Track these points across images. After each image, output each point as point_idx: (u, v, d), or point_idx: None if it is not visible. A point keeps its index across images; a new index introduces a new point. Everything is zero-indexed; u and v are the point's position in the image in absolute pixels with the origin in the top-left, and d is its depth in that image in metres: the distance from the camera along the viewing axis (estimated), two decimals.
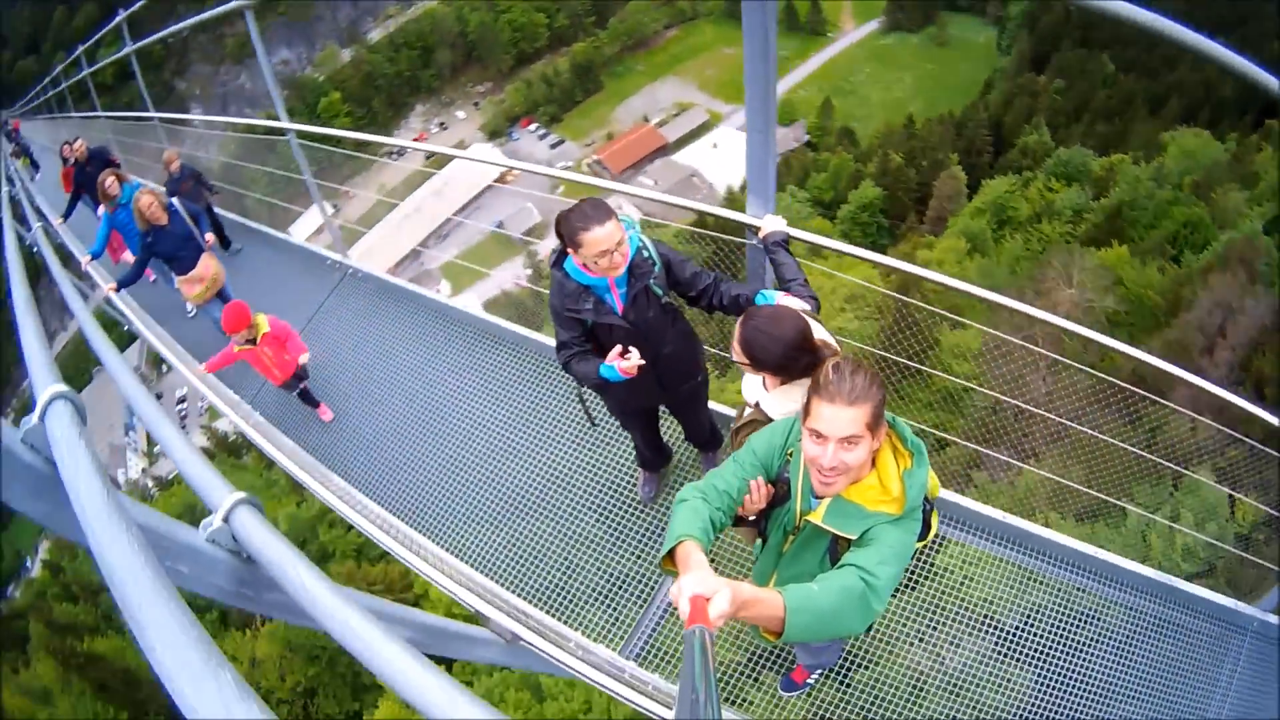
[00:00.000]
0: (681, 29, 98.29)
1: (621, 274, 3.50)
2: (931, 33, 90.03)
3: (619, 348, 3.43)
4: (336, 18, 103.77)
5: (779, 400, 3.11)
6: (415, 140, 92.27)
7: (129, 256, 10.72)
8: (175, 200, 7.74)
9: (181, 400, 76.31)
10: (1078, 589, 4.90)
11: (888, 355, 6.02)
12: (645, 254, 3.59)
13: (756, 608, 1.85)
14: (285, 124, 8.12)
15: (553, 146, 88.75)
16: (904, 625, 4.85)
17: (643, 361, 3.40)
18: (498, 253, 71.77)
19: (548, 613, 5.01)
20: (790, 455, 2.57)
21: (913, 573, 4.95)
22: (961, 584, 4.94)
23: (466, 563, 5.29)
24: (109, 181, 8.31)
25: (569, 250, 3.42)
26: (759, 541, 2.93)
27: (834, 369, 2.26)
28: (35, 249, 9.15)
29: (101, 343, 3.53)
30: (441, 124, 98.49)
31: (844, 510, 2.37)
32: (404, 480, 6.21)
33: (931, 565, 5.03)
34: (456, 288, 63.51)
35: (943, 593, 4.94)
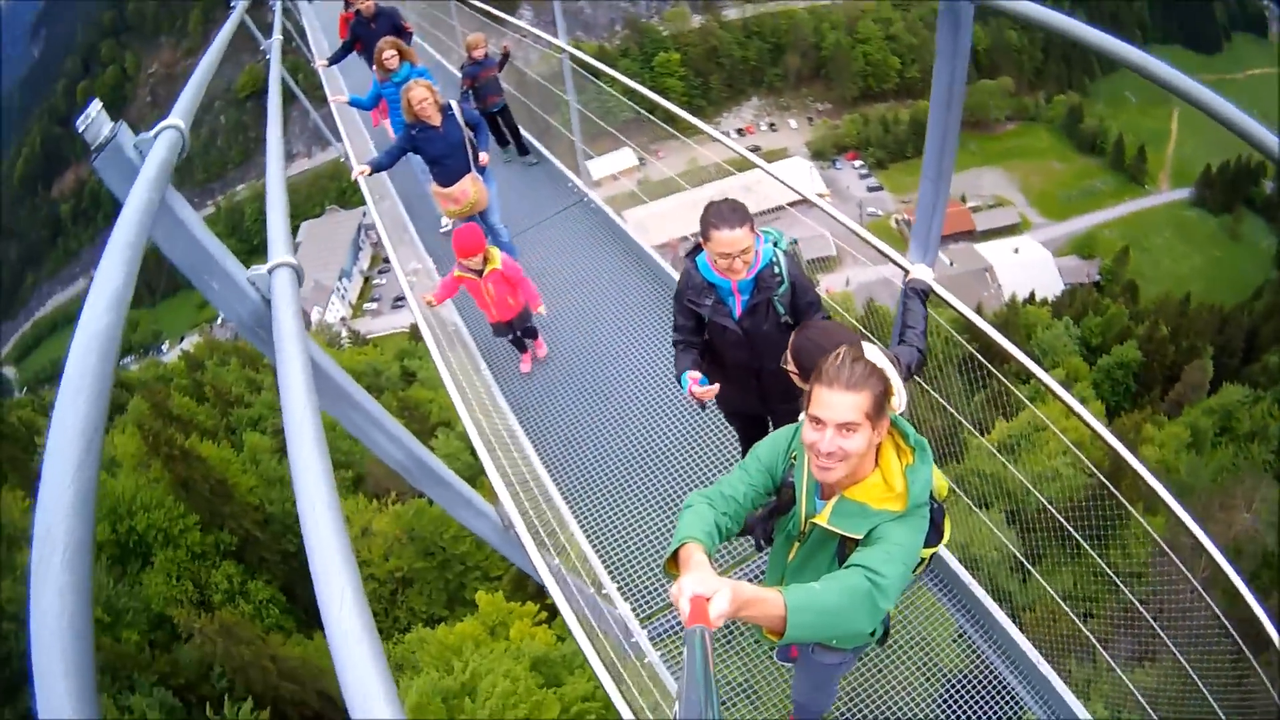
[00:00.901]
0: (1020, 125, 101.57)
1: (747, 280, 3.80)
2: (1227, 222, 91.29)
3: (696, 373, 3.83)
4: None
5: None
6: (742, 130, 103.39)
7: (390, 129, 10.13)
8: (453, 104, 7.09)
9: (414, 271, 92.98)
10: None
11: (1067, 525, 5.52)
12: (776, 270, 3.84)
13: (757, 607, 1.95)
14: (609, 71, 8.91)
15: (870, 189, 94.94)
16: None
17: (713, 392, 3.75)
18: None
19: (594, 548, 5.70)
20: (794, 459, 2.74)
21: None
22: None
23: (542, 462, 6.21)
24: (387, 54, 7.98)
25: (702, 244, 3.75)
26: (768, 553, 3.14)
27: (835, 356, 2.43)
28: (267, 56, 8.06)
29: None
30: (772, 125, 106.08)
31: (848, 510, 2.52)
32: (536, 381, 7.18)
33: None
34: None
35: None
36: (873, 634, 3.02)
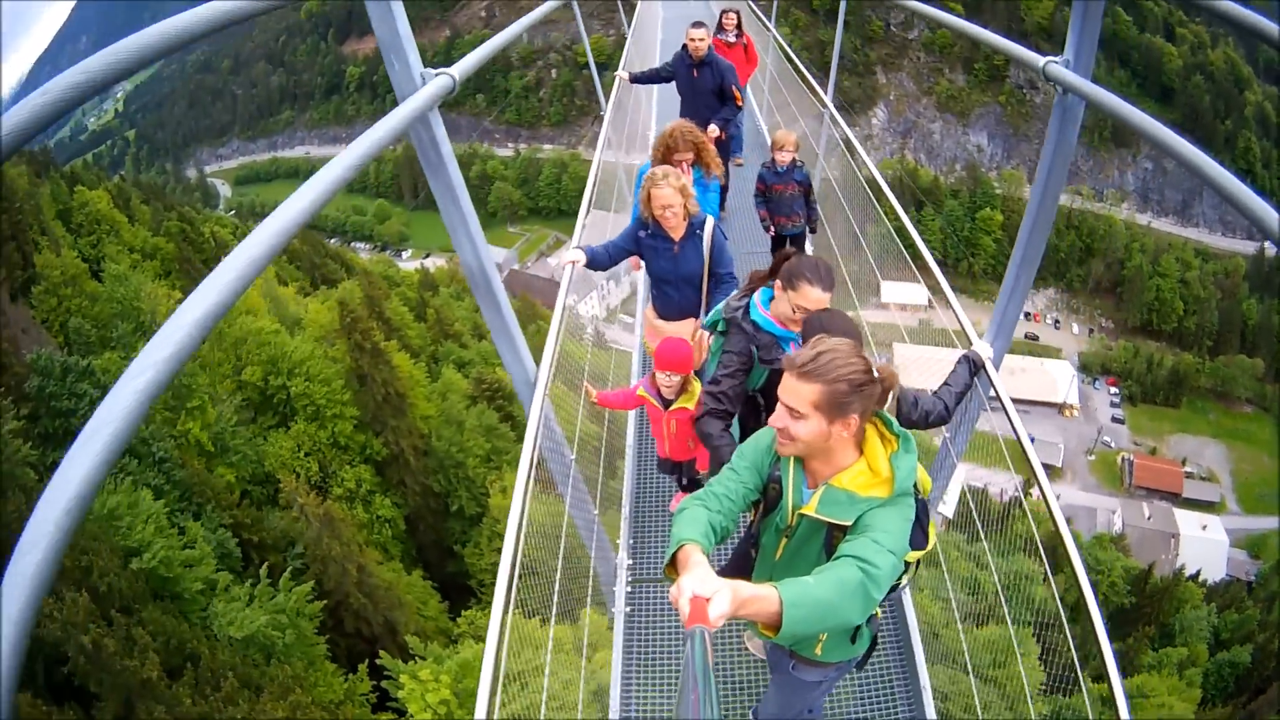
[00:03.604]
0: (1256, 411, 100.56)
1: (797, 332, 3.94)
2: None
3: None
4: None
5: None
6: (1029, 314, 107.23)
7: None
8: (709, 224, 5.34)
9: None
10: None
11: None
12: None
13: (755, 605, 2.04)
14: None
15: (1114, 419, 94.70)
16: None
17: None
18: None
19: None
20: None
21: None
22: None
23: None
24: (681, 155, 6.16)
25: (781, 290, 3.86)
26: (752, 555, 3.22)
27: (808, 344, 2.62)
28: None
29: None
30: (1056, 321, 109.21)
31: (835, 498, 2.64)
32: None
33: None
34: None
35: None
36: (855, 641, 3.17)
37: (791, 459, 2.77)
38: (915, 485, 2.74)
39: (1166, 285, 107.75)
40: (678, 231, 5.28)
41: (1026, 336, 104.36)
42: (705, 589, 1.90)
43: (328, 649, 28.95)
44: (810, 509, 2.69)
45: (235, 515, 30.19)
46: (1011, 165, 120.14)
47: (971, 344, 4.38)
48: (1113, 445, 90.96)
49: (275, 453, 34.98)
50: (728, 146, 9.38)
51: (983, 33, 3.93)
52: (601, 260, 5.52)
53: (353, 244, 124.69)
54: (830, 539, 2.73)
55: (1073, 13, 3.20)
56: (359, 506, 36.29)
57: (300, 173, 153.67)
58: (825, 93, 10.56)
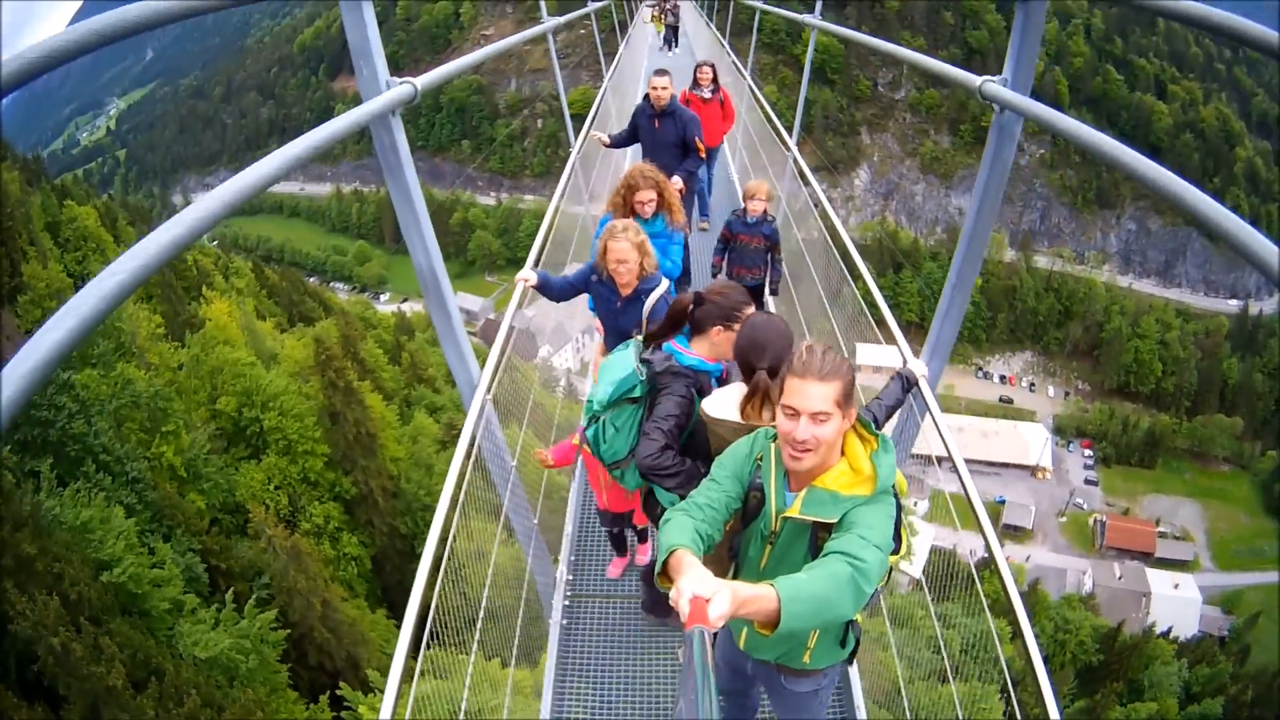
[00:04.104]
0: (1233, 470, 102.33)
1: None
2: None
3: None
4: None
5: (712, 399, 3.64)
6: (1004, 378, 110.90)
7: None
8: (659, 294, 5.08)
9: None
10: None
11: None
12: None
13: (754, 604, 2.10)
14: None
15: (1087, 481, 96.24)
16: None
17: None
18: None
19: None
20: (759, 461, 2.90)
21: None
22: None
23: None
24: (643, 196, 5.97)
25: (720, 332, 3.76)
26: (732, 568, 3.19)
27: (807, 350, 2.64)
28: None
29: None
30: (1032, 384, 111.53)
31: (820, 499, 2.69)
32: None
33: None
34: None
35: None
36: (843, 645, 3.19)
37: (774, 465, 2.82)
38: (893, 486, 2.79)
39: (1145, 346, 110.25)
40: (627, 289, 5.14)
41: (1001, 400, 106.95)
42: (705, 590, 1.94)
43: (290, 679, 29.16)
44: (794, 511, 2.73)
45: (204, 541, 30.36)
46: (993, 228, 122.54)
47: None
48: (1085, 507, 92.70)
49: (246, 483, 35.10)
50: (691, 204, 9.19)
51: (918, 57, 4.18)
52: (553, 289, 5.64)
53: (332, 284, 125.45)
54: (815, 541, 2.78)
55: (1012, 31, 3.29)
56: (326, 543, 36.39)
57: (284, 208, 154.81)
58: (791, 141, 10.22)
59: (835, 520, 2.64)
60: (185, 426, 33.35)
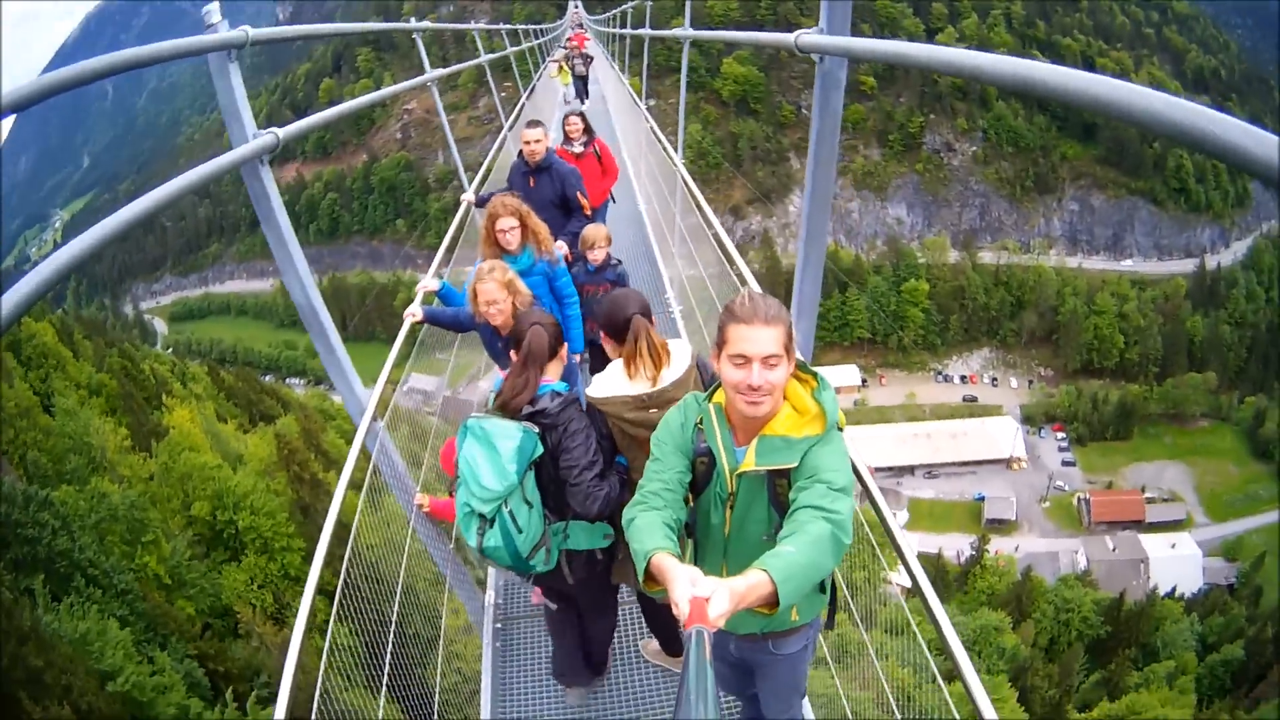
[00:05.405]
0: (1213, 424, 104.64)
1: None
2: None
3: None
4: None
5: (594, 386, 3.66)
6: (965, 378, 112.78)
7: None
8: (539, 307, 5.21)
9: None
10: None
11: None
12: None
13: (752, 594, 2.05)
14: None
15: (1064, 463, 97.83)
16: None
17: None
18: None
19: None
20: (700, 425, 2.85)
21: None
22: None
23: None
24: (504, 223, 5.92)
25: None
26: (690, 545, 3.11)
27: (747, 296, 2.63)
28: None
29: None
30: (994, 379, 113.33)
31: (773, 446, 2.65)
32: None
33: None
34: None
35: None
36: (823, 590, 3.15)
37: (716, 424, 2.79)
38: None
39: (1104, 322, 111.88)
40: (505, 329, 5.02)
41: (965, 399, 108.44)
42: (702, 590, 1.92)
43: None
44: (749, 464, 2.69)
45: (200, 646, 30.53)
46: (934, 232, 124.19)
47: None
48: (1067, 488, 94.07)
49: (231, 585, 35.12)
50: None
51: (741, 35, 4.26)
52: (442, 322, 6.06)
53: (287, 380, 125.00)
54: (774, 491, 2.74)
55: None
56: (316, 635, 36.09)
57: (232, 309, 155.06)
58: (677, 159, 9.94)
59: (795, 465, 2.62)
60: (164, 535, 33.58)
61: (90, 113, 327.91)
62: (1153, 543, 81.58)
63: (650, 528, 2.50)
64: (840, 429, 2.77)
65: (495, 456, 3.68)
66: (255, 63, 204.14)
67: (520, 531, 3.78)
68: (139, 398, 44.06)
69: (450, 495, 4.55)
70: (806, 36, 3.07)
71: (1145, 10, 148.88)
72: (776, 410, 2.69)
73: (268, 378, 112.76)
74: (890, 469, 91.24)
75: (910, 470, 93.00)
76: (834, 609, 3.29)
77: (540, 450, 3.73)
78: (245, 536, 36.71)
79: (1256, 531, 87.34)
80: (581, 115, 9.31)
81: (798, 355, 2.74)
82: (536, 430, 3.73)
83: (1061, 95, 1.47)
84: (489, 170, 10.71)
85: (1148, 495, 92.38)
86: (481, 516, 3.76)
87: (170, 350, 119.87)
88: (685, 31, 8.92)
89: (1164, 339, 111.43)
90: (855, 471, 2.91)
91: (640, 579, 2.35)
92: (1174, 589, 71.87)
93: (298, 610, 3.50)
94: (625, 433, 3.68)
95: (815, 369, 2.79)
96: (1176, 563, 78.62)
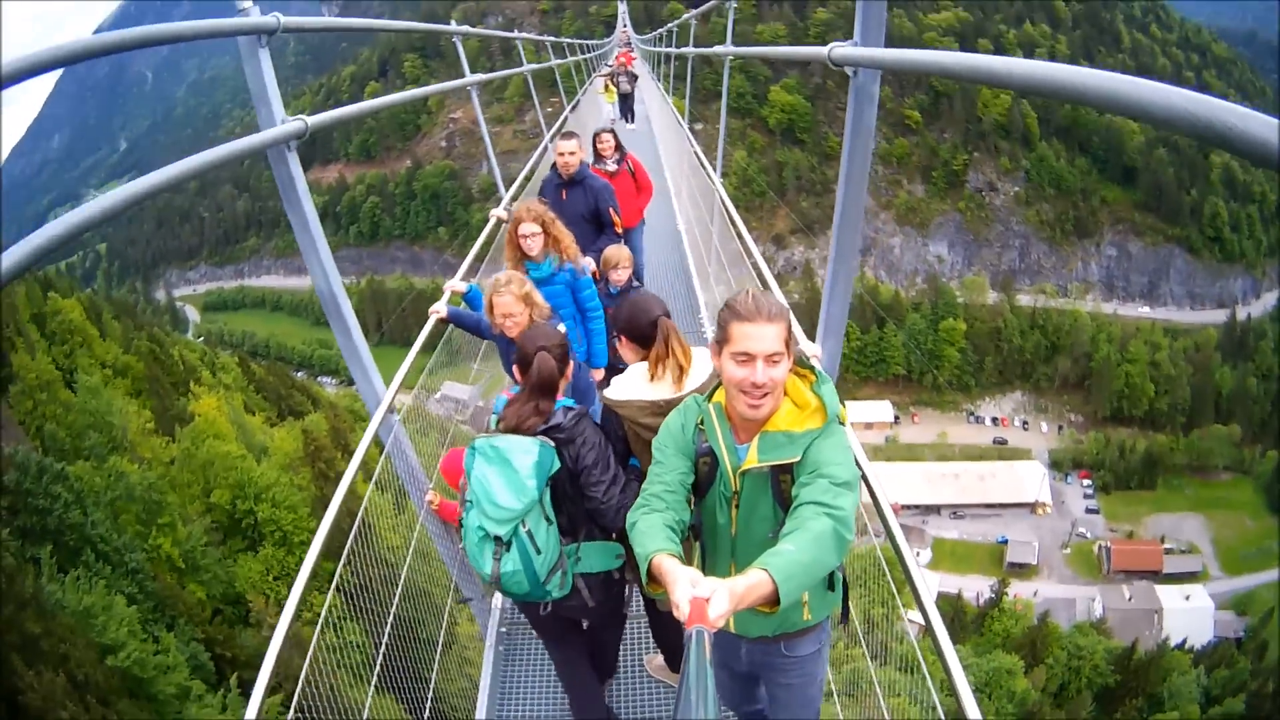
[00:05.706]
0: (1234, 478, 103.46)
1: None
2: None
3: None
4: None
5: (613, 387, 3.63)
6: (997, 420, 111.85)
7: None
8: (564, 326, 5.34)
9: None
10: None
11: None
12: None
13: (752, 594, 2.05)
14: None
15: (1088, 510, 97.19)
16: None
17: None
18: None
19: None
20: (700, 426, 2.85)
21: None
22: None
23: None
24: (526, 229, 5.86)
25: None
26: (698, 548, 3.14)
27: (748, 295, 2.64)
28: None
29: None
30: (1025, 423, 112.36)
31: (775, 442, 2.66)
32: None
33: None
34: None
35: None
36: (832, 589, 3.06)
37: (717, 424, 2.78)
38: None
39: (1136, 370, 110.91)
40: (511, 330, 4.95)
41: (995, 441, 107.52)
42: (702, 590, 1.93)
43: None
44: (752, 461, 2.68)
45: (208, 631, 30.67)
46: (973, 271, 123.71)
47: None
48: (1089, 535, 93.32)
49: (245, 575, 35.32)
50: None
51: (776, 50, 4.51)
52: (464, 323, 6.03)
53: (319, 378, 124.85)
54: (778, 488, 2.73)
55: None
56: (329, 631, 36.14)
57: (267, 303, 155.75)
58: (715, 174, 9.95)
59: (797, 459, 2.62)
60: (181, 519, 33.87)
61: (130, 97, 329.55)
62: (1168, 593, 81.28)
63: (652, 530, 2.50)
64: (842, 422, 2.78)
65: (512, 473, 3.52)
66: (299, 61, 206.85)
67: (539, 552, 3.59)
68: (165, 382, 44.55)
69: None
70: (840, 49, 3.07)
71: (1185, 53, 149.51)
72: (777, 409, 2.69)
73: (300, 374, 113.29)
74: (917, 507, 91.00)
75: (937, 510, 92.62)
76: (847, 605, 3.20)
77: (558, 465, 3.60)
78: (264, 528, 36.88)
79: (1268, 587, 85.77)
80: (613, 133, 8.93)
81: (802, 357, 2.78)
82: (553, 444, 3.62)
83: (1094, 99, 1.48)
84: (524, 184, 10.41)
85: (1166, 546, 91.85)
86: (497, 539, 3.56)
87: (201, 339, 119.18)
88: (726, 49, 9.15)
89: (1193, 389, 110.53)
90: (856, 463, 2.83)
91: (642, 581, 2.37)
92: (1184, 640, 71.97)
93: (291, 593, 3.44)
94: (640, 436, 3.61)
95: (813, 365, 2.80)
96: (1189, 615, 77.94)
